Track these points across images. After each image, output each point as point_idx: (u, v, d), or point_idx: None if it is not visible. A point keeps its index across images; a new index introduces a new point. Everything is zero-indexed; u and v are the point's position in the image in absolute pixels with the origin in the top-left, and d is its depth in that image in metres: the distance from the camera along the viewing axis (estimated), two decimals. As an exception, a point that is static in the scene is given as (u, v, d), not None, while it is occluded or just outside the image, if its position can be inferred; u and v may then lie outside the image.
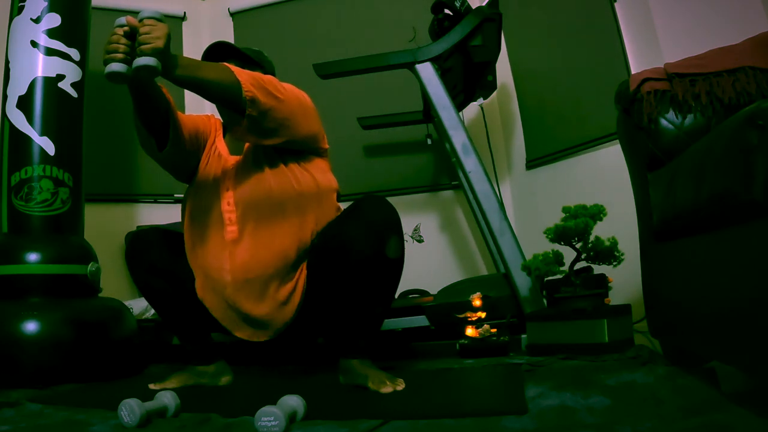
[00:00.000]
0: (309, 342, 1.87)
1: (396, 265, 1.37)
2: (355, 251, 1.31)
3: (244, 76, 1.26)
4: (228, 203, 1.42)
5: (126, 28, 1.12)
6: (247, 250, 1.39)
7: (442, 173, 2.98)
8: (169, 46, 1.12)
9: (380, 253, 1.32)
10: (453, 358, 1.81)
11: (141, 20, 1.12)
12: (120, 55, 1.11)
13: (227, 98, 1.26)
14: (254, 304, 1.41)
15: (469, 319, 1.82)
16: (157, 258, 1.48)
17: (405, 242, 1.39)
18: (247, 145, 1.49)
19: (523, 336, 1.84)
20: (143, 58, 1.09)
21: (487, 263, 2.78)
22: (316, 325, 1.53)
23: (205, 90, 1.25)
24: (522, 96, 2.82)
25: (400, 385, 1.26)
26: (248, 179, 1.43)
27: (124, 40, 1.12)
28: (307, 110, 1.46)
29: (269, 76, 1.36)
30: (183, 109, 3.02)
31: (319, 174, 1.49)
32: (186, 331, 1.53)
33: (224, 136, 1.57)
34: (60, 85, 1.92)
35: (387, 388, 1.24)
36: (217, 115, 1.63)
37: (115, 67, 1.10)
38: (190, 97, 3.04)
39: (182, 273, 1.48)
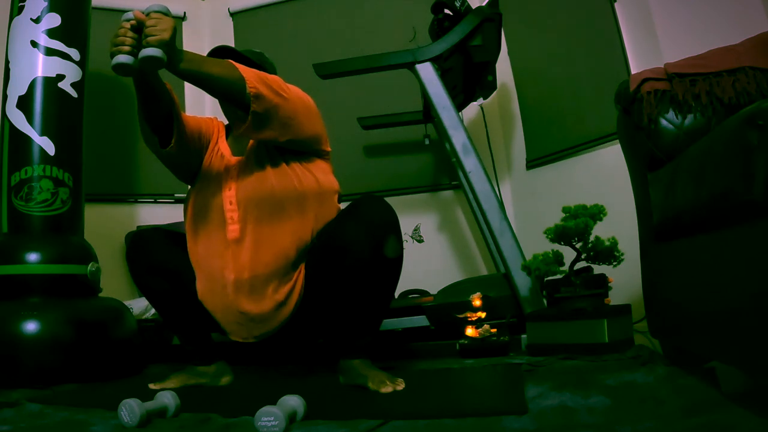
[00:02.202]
0: (309, 342, 1.87)
1: (394, 265, 1.37)
2: (354, 251, 1.31)
3: (249, 72, 1.27)
4: (230, 202, 1.42)
5: (133, 22, 1.14)
6: (248, 249, 1.39)
7: (442, 173, 2.98)
8: (174, 39, 1.13)
9: (378, 253, 1.32)
10: (453, 358, 1.81)
11: (148, 14, 1.14)
12: (127, 48, 1.12)
13: (231, 94, 1.26)
14: (254, 303, 1.41)
15: (469, 319, 1.81)
16: (158, 258, 1.48)
17: (404, 242, 1.39)
18: (249, 145, 1.49)
19: (523, 336, 1.83)
20: (149, 49, 1.11)
21: (487, 263, 2.77)
22: (314, 324, 1.53)
23: (209, 85, 1.25)
24: (522, 96, 2.82)
25: (400, 385, 1.26)
26: (250, 178, 1.43)
27: (131, 33, 1.13)
28: (311, 111, 1.46)
29: (274, 76, 1.37)
30: (184, 109, 3.01)
31: (321, 175, 1.49)
32: (186, 331, 1.53)
33: (227, 138, 1.57)
34: (60, 85, 1.92)
35: (387, 388, 1.24)
36: (221, 117, 1.63)
37: (122, 58, 1.12)
38: (190, 96, 3.04)
39: (183, 273, 1.48)
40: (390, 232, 1.35)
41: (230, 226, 1.41)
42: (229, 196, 1.43)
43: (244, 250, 1.39)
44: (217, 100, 1.46)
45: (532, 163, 2.72)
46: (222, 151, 1.52)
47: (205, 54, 1.51)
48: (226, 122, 1.63)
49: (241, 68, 1.27)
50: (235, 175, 1.45)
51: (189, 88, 3.03)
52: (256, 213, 1.40)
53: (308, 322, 1.49)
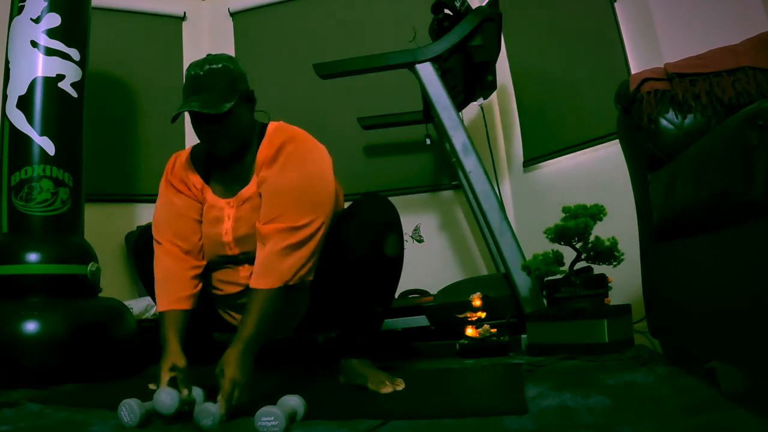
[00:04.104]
0: (309, 342, 1.87)
1: (395, 264, 1.37)
2: (354, 250, 1.31)
3: (282, 274, 1.18)
4: (234, 253, 1.34)
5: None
6: None
7: (442, 173, 2.98)
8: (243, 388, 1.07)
9: (379, 252, 1.32)
10: (453, 358, 1.81)
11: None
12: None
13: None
14: None
15: (469, 319, 1.81)
16: None
17: (405, 242, 1.39)
18: (249, 192, 1.34)
19: (523, 336, 1.83)
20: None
21: (487, 263, 2.77)
22: (317, 323, 1.53)
23: (276, 324, 1.21)
24: (522, 96, 2.82)
25: (400, 385, 1.26)
26: (249, 227, 1.31)
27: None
28: (332, 195, 1.30)
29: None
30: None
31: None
32: (189, 330, 1.52)
33: (209, 179, 1.39)
34: (60, 85, 1.92)
35: (387, 388, 1.24)
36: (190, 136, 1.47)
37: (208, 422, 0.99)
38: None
39: None
40: (390, 231, 1.34)
41: (242, 272, 1.35)
42: (233, 248, 1.33)
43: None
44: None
45: (532, 162, 2.72)
46: (210, 202, 1.37)
47: (203, 50, 1.46)
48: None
49: (274, 272, 1.18)
50: (236, 237, 1.33)
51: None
52: None
53: (312, 320, 1.49)
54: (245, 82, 1.35)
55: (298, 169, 1.27)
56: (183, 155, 1.42)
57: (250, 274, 1.31)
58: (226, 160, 1.37)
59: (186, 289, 1.29)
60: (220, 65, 1.28)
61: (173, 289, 1.28)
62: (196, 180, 1.38)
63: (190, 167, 1.39)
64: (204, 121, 1.27)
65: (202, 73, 1.27)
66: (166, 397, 1.03)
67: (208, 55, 1.34)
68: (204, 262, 1.35)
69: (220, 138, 1.29)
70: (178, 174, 1.39)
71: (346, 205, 1.48)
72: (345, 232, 1.34)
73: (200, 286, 1.33)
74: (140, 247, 1.49)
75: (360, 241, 1.31)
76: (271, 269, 1.19)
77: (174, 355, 1.17)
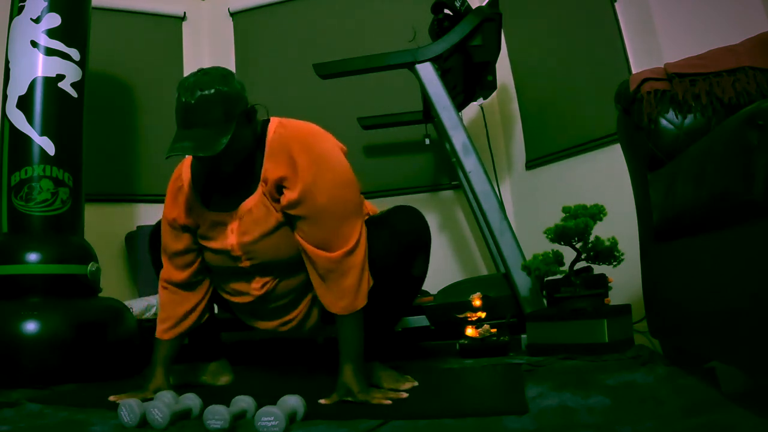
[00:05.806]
0: (309, 342, 1.87)
1: (418, 283, 1.39)
2: (380, 264, 1.26)
3: (356, 299, 1.21)
4: (245, 265, 1.32)
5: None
6: (276, 297, 1.37)
7: (442, 173, 2.98)
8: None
9: (406, 271, 1.33)
10: (453, 358, 1.81)
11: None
12: None
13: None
14: (281, 324, 1.42)
15: (469, 319, 1.81)
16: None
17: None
18: (251, 203, 1.28)
19: (523, 336, 1.84)
20: None
21: (487, 263, 2.77)
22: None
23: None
24: (522, 96, 2.82)
25: (409, 384, 1.27)
26: (263, 249, 1.29)
27: None
28: (359, 191, 1.29)
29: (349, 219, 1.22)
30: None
31: None
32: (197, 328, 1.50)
33: (210, 203, 1.33)
34: (60, 85, 1.92)
35: (405, 385, 1.26)
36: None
37: None
38: None
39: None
40: (419, 252, 1.35)
41: (253, 285, 1.34)
42: (245, 263, 1.32)
43: (271, 298, 1.36)
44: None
45: (532, 163, 2.72)
46: (214, 219, 1.32)
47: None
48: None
49: (358, 300, 1.21)
50: (237, 244, 1.30)
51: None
52: (279, 273, 1.34)
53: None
54: (243, 101, 1.21)
55: (327, 179, 1.21)
56: (185, 177, 1.35)
57: (261, 286, 1.33)
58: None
59: (180, 323, 1.37)
60: (212, 91, 1.15)
61: (168, 319, 1.37)
62: (195, 205, 1.33)
63: (191, 190, 1.33)
64: (201, 157, 1.22)
65: (193, 102, 1.14)
66: (158, 414, 1.01)
67: (199, 71, 1.20)
68: (200, 294, 1.40)
69: (220, 165, 1.23)
70: (179, 204, 1.34)
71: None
72: (371, 244, 1.25)
73: (193, 318, 1.39)
74: (156, 236, 1.46)
75: (388, 258, 1.28)
76: (354, 293, 1.21)
77: (160, 380, 1.31)
